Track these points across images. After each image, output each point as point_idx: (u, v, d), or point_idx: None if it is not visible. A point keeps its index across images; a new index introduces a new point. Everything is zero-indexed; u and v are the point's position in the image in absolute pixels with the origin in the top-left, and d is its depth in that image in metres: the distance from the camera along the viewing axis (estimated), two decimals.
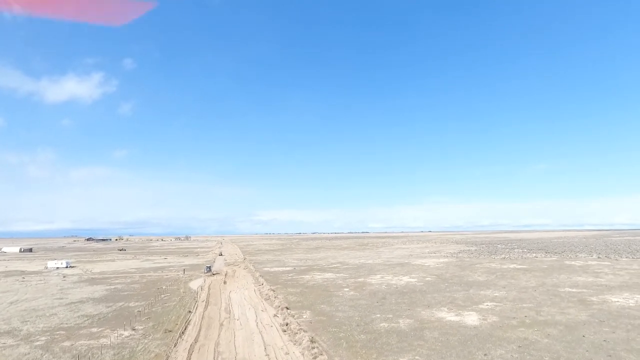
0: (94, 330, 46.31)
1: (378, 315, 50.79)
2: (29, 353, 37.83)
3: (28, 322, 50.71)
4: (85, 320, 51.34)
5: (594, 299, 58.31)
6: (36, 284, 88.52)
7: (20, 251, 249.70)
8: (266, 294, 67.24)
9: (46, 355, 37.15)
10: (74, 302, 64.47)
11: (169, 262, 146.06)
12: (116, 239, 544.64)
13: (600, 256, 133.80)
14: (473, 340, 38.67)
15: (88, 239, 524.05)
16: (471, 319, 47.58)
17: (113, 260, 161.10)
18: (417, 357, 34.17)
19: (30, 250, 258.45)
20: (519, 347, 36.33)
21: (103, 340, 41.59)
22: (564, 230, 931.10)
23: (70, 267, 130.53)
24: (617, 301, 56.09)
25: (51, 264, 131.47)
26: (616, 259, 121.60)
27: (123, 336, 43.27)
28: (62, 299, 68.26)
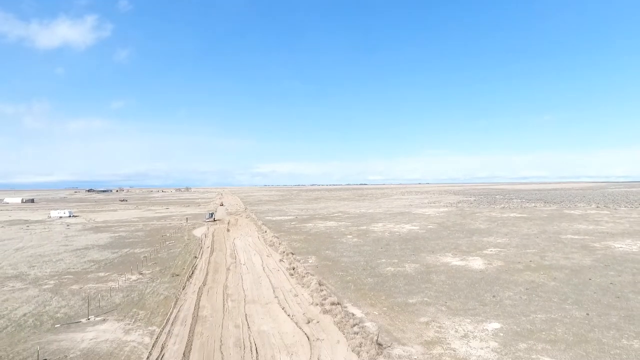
0: (102, 274, 46.53)
1: (383, 260, 51.09)
2: (38, 296, 37.98)
3: (35, 267, 50.94)
4: (92, 266, 51.59)
5: (596, 245, 58.69)
6: (40, 232, 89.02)
7: (22, 202, 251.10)
8: (270, 241, 67.59)
9: (55, 297, 37.29)
10: (80, 249, 64.80)
11: (171, 212, 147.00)
12: (117, 191, 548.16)
13: (599, 206, 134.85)
14: (480, 283, 38.89)
15: (89, 191, 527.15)
16: (476, 263, 47.86)
17: (115, 210, 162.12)
18: (426, 299, 34.34)
19: (32, 200, 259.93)
20: (527, 289, 36.53)
21: (111, 284, 41.77)
22: (560, 182, 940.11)
23: (73, 216, 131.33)
24: (620, 247, 56.45)
25: (54, 214, 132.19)
26: (615, 209, 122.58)
27: (131, 280, 43.48)
28: (67, 245, 68.60)
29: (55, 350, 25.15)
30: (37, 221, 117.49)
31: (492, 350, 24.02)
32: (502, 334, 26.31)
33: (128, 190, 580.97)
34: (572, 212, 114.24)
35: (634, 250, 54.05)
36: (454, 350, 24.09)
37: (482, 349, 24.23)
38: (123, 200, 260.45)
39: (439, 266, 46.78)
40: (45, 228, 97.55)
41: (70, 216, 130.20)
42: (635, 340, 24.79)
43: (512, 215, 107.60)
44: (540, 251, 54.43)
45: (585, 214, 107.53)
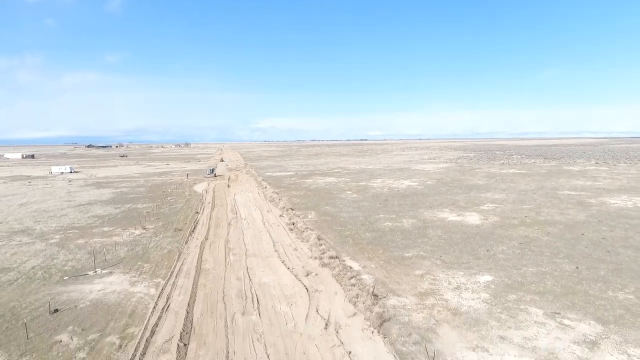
0: (106, 229, 47.60)
1: (382, 215, 52.03)
2: (45, 249, 39.09)
3: (40, 222, 52.00)
4: (95, 221, 52.64)
5: (592, 200, 59.48)
6: (43, 188, 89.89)
7: (22, 157, 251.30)
8: (270, 197, 68.45)
9: (62, 251, 38.40)
10: (83, 204, 65.77)
11: (172, 168, 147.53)
12: (116, 146, 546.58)
13: (599, 162, 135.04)
14: (475, 238, 39.89)
15: (88, 146, 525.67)
16: (473, 219, 48.79)
17: (116, 166, 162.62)
18: (421, 253, 35.38)
19: (32, 156, 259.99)
20: (520, 243, 37.53)
21: (116, 238, 42.85)
22: (562, 138, 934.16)
23: (74, 172, 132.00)
24: (616, 203, 57.25)
25: (55, 169, 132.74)
26: (614, 165, 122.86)
27: (134, 234, 44.56)
28: (70, 201, 69.57)
29: (66, 301, 26.32)
30: (38, 177, 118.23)
31: (482, 301, 25.13)
32: (493, 286, 27.40)
33: (127, 146, 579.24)
34: (571, 168, 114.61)
35: (628, 206, 54.88)
36: (446, 301, 25.21)
37: (473, 299, 25.35)
38: (123, 156, 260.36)
39: (435, 221, 47.73)
40: (47, 184, 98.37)
41: (71, 172, 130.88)
42: (620, 292, 25.87)
43: (511, 171, 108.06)
44: (536, 207, 55.28)
45: (583, 170, 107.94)
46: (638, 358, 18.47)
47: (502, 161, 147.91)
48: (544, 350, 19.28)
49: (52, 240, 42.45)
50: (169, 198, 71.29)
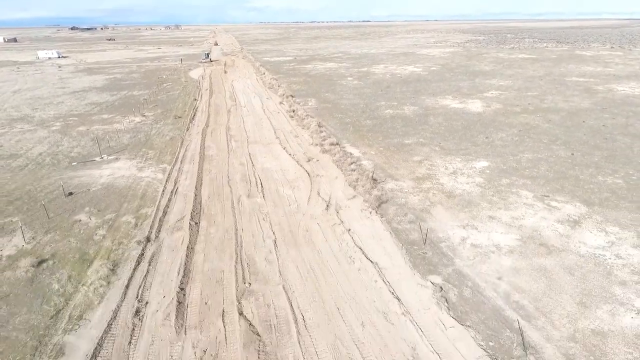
0: (105, 116, 47.34)
1: (383, 102, 51.28)
2: (48, 137, 39.45)
3: (38, 110, 51.47)
4: (93, 108, 52.04)
5: (599, 87, 58.04)
6: (33, 74, 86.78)
7: (5, 41, 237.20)
8: (269, 83, 66.54)
9: (66, 138, 38.79)
10: (77, 91, 64.27)
11: (164, 52, 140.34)
12: (102, 28, 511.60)
13: (614, 46, 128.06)
14: (476, 125, 39.96)
15: (72, 28, 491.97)
16: (475, 106, 48.21)
17: (104, 51, 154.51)
18: (421, 140, 35.82)
19: (15, 40, 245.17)
20: (520, 131, 37.76)
21: (116, 126, 42.91)
22: (579, 20, 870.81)
23: (62, 57, 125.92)
24: (623, 90, 55.96)
25: (42, 54, 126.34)
26: (630, 49, 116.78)
27: (135, 122, 44.49)
28: (64, 88, 67.81)
29: (78, 185, 27.51)
30: (26, 62, 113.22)
31: (476, 185, 26.30)
32: (488, 171, 28.40)
33: (114, 28, 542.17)
34: (583, 53, 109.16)
35: (635, 93, 53.74)
36: (442, 185, 26.39)
37: (467, 183, 26.50)
38: (111, 39, 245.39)
39: (437, 109, 47.26)
40: (37, 70, 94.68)
41: (59, 57, 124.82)
42: (610, 177, 26.93)
43: (520, 56, 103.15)
44: (541, 94, 54.18)
45: (596, 55, 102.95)
46: (614, 235, 20.08)
47: (512, 45, 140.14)
48: (529, 229, 20.85)
49: (54, 128, 42.56)
50: (164, 85, 69.35)
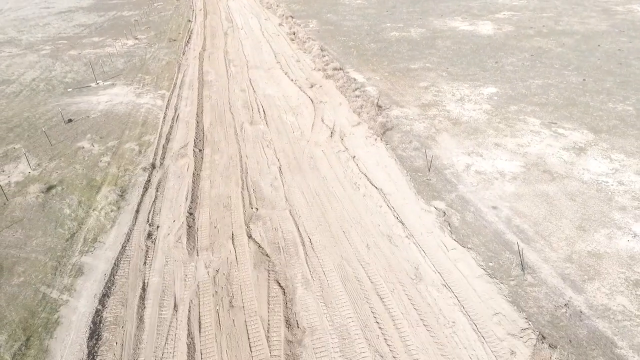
0: (95, 39, 45.01)
1: (388, 24, 48.46)
2: (39, 61, 37.85)
3: (24, 32, 48.79)
4: (82, 30, 49.29)
5: (619, 8, 54.45)
6: None
7: None
8: (267, 2, 62.30)
9: (57, 63, 37.25)
10: (64, 12, 60.42)
11: None
12: None
13: None
14: (485, 49, 38.16)
15: None
16: (486, 28, 45.62)
17: None
18: (428, 65, 34.44)
19: None
20: (532, 55, 36.13)
21: (109, 49, 40.96)
22: None
23: None
24: None
25: None
26: None
27: (128, 45, 42.42)
28: (49, 8, 63.66)
29: (77, 111, 26.95)
30: None
31: (483, 111, 25.77)
32: (496, 98, 27.67)
33: None
34: None
35: None
36: (448, 112, 25.86)
37: (474, 110, 25.96)
38: None
39: (445, 31, 44.78)
40: None
41: None
42: (620, 104, 26.30)
43: None
44: (556, 15, 51.00)
45: None
46: (619, 162, 20.11)
47: None
48: (533, 156, 20.82)
49: (44, 52, 40.67)
50: (155, 4, 65.03)
